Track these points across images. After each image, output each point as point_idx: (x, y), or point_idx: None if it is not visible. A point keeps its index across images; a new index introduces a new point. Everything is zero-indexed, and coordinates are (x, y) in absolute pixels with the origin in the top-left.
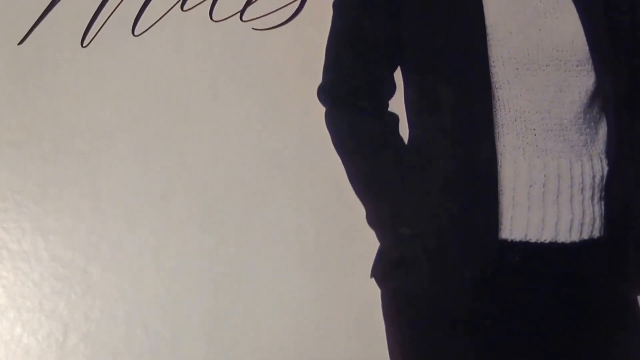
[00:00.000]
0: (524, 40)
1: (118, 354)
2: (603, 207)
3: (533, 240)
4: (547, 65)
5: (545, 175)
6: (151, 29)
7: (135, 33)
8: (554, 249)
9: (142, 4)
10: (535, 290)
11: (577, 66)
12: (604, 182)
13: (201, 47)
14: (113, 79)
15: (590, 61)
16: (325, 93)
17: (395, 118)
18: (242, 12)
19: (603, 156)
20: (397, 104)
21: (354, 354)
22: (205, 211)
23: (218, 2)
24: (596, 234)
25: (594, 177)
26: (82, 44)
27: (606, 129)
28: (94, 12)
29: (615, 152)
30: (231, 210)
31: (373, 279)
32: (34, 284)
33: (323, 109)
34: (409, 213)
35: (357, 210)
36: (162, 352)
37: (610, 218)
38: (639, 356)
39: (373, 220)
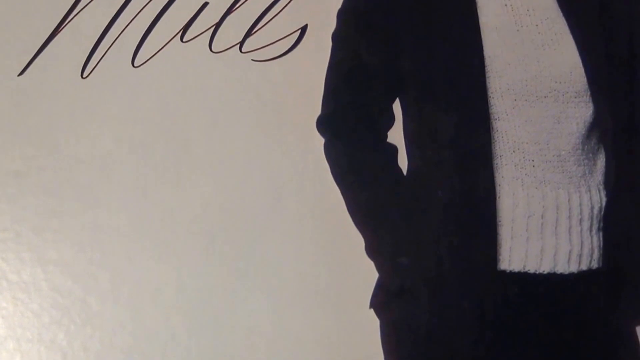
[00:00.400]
0: (523, 72)
1: None
2: (601, 238)
3: (532, 271)
4: (545, 97)
5: (543, 206)
6: (151, 59)
7: (135, 64)
8: (552, 279)
9: (142, 35)
10: (534, 321)
11: (576, 97)
12: (602, 213)
13: (201, 78)
14: (113, 109)
15: (589, 93)
16: (324, 124)
17: (394, 149)
18: (241, 43)
19: (601, 187)
20: (396, 135)
21: None
22: (204, 242)
23: (218, 33)
24: (594, 264)
25: (592, 208)
26: (82, 75)
27: (604, 160)
28: (94, 43)
29: (614, 184)
30: (231, 241)
31: (372, 310)
32: (33, 314)
33: (322, 140)
34: (408, 244)
35: (357, 240)
36: None
37: (609, 249)
38: None
39: (372, 250)
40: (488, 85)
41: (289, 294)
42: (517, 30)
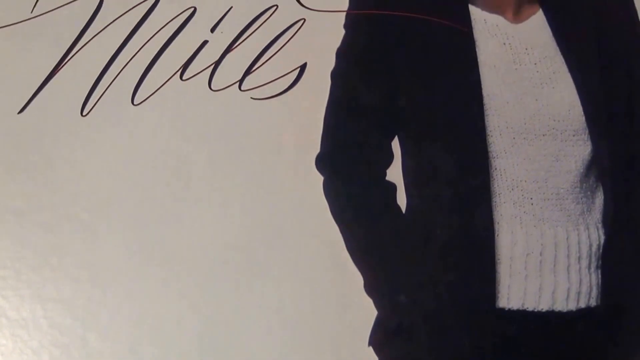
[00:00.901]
0: (521, 110)
1: None
2: (600, 276)
3: (530, 309)
4: (543, 135)
5: (542, 244)
6: (150, 97)
7: (135, 102)
8: (551, 317)
9: (141, 73)
10: (533, 359)
11: (574, 136)
12: (600, 251)
13: (200, 116)
14: (112, 147)
15: (587, 131)
16: (323, 162)
17: (392, 187)
18: (240, 81)
19: (600, 225)
20: (395, 173)
21: None
22: (203, 280)
23: (217, 71)
24: (593, 302)
25: (590, 246)
26: (81, 113)
27: (603, 198)
28: (93, 81)
29: (612, 221)
30: (230, 279)
31: (371, 348)
32: (32, 351)
33: (321, 178)
34: (407, 281)
35: (355, 278)
36: None
37: (607, 287)
38: None
39: (371, 288)
40: (487, 123)
41: (288, 331)
42: (516, 69)
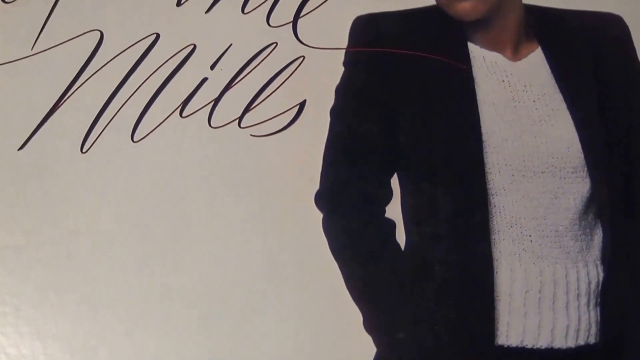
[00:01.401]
0: (520, 147)
1: None
2: (599, 314)
3: (529, 346)
4: (542, 172)
5: (541, 282)
6: (150, 135)
7: (135, 139)
8: (550, 354)
9: (141, 110)
10: None
11: (573, 173)
12: (599, 288)
13: (200, 153)
14: (112, 184)
15: (586, 168)
16: (322, 199)
17: (392, 224)
18: (240, 118)
19: (599, 262)
20: (394, 210)
21: None
22: (203, 317)
23: (217, 108)
24: (592, 340)
25: (589, 283)
26: (81, 150)
27: (602, 235)
28: (93, 118)
29: (611, 259)
30: (229, 315)
31: None
32: None
33: (321, 215)
34: (406, 319)
35: (355, 315)
36: None
37: (606, 324)
38: None
39: (370, 325)
40: (485, 160)
41: None
42: (515, 106)
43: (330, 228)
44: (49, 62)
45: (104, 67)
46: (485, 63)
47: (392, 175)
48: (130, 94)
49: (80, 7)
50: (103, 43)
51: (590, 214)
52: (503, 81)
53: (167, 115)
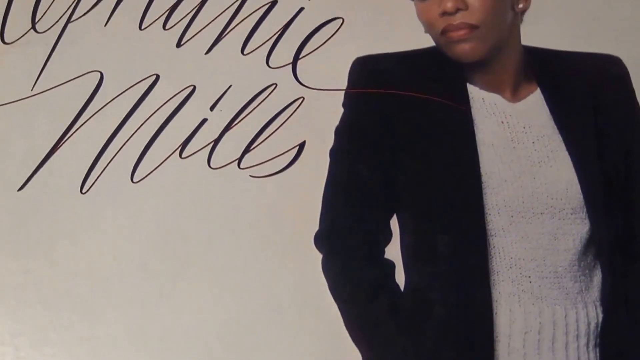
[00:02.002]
0: (519, 188)
1: None
2: (598, 354)
3: None
4: (541, 213)
5: (540, 323)
6: (150, 175)
7: (134, 180)
8: None
9: (141, 150)
10: None
11: (572, 214)
12: (599, 329)
13: (199, 194)
14: (112, 224)
15: (585, 209)
16: (322, 240)
17: (391, 265)
18: (239, 159)
19: (598, 303)
20: (393, 250)
21: None
22: (203, 356)
23: (216, 149)
24: None
25: (589, 324)
26: (81, 191)
27: (601, 276)
28: (93, 159)
29: (610, 300)
30: (229, 355)
31: None
32: None
33: (320, 256)
34: (405, 359)
35: (354, 356)
36: None
37: None
38: None
39: None
40: (485, 201)
41: None
42: (514, 147)
43: (330, 269)
44: (49, 103)
45: (103, 108)
46: (485, 104)
47: (391, 216)
48: (130, 135)
49: (80, 48)
50: (103, 84)
51: (589, 255)
52: (502, 122)
53: (166, 156)
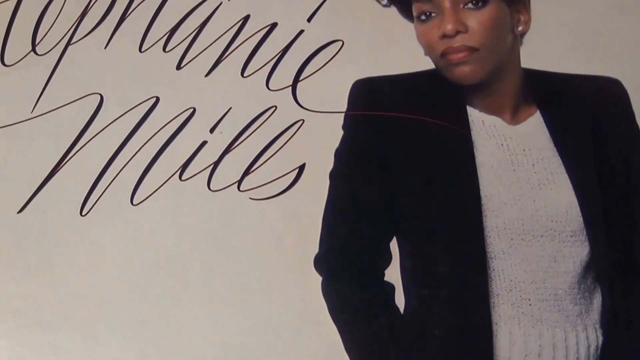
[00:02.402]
0: (519, 211)
1: None
2: None
3: None
4: (541, 236)
5: (540, 345)
6: (149, 198)
7: (134, 202)
8: None
9: (140, 173)
10: None
11: (572, 237)
12: (598, 352)
13: (199, 217)
14: (111, 247)
15: (585, 232)
16: (321, 263)
17: (391, 287)
18: (239, 182)
19: (598, 326)
20: (393, 273)
21: None
22: None
23: (216, 172)
24: None
25: (588, 347)
26: (81, 213)
27: (601, 299)
28: (93, 181)
29: (610, 322)
30: None
31: None
32: None
33: (320, 278)
34: None
35: None
36: None
37: None
38: None
39: None
40: (484, 224)
41: None
42: (513, 170)
43: (330, 291)
44: (49, 125)
45: (104, 130)
46: (485, 127)
47: (391, 239)
48: (130, 157)
49: (80, 71)
50: (103, 106)
51: (589, 277)
52: (502, 145)
53: (166, 178)
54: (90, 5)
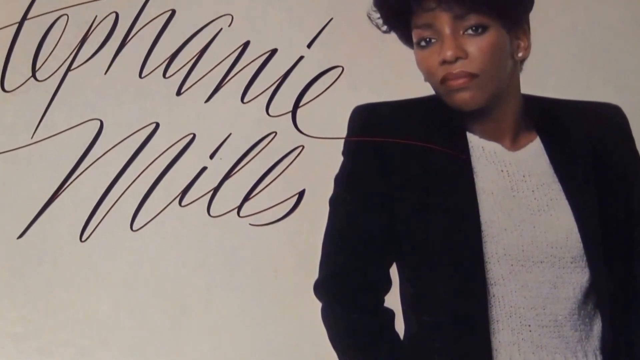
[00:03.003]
0: (519, 237)
1: None
2: None
3: None
4: (541, 262)
5: None
6: (149, 223)
7: (134, 228)
8: None
9: (140, 198)
10: None
11: (572, 263)
12: None
13: (198, 242)
14: (111, 273)
15: (585, 258)
16: (321, 288)
17: (391, 314)
18: (239, 208)
19: (598, 352)
20: (393, 299)
21: None
22: None
23: (216, 197)
24: None
25: None
26: (80, 239)
27: (601, 325)
28: (92, 207)
29: (611, 349)
30: None
31: None
32: None
33: (319, 304)
34: None
35: None
36: None
37: None
38: None
39: None
40: (484, 250)
41: None
42: (513, 196)
43: (329, 317)
44: (48, 151)
45: (103, 156)
46: (484, 153)
47: (391, 265)
48: (129, 183)
49: (80, 96)
50: (103, 132)
51: (589, 303)
52: (502, 171)
53: (166, 204)
54: (91, 31)
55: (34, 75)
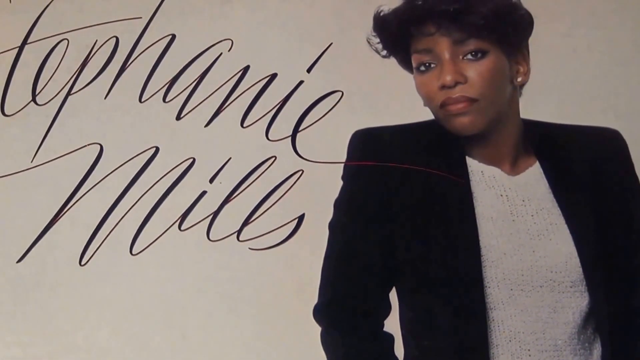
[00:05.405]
0: (518, 261)
1: None
2: None
3: None
4: (541, 286)
5: None
6: (149, 248)
7: (133, 252)
8: None
9: (140, 223)
10: None
11: (571, 287)
12: None
13: (198, 266)
14: (110, 298)
15: (584, 282)
16: (320, 313)
17: (390, 338)
18: (238, 232)
19: None
20: (392, 323)
21: None
22: None
23: (215, 222)
24: None
25: None
26: (80, 263)
27: (601, 349)
28: (92, 231)
29: None
30: None
31: None
32: None
33: (319, 329)
34: None
35: None
36: None
37: None
38: None
39: None
40: (484, 274)
41: None
42: (513, 220)
43: (329, 342)
44: (48, 175)
45: (103, 180)
46: (484, 177)
47: (390, 289)
48: (129, 207)
49: (80, 121)
50: (102, 156)
51: (589, 328)
52: (501, 195)
53: (166, 228)
54: (91, 55)
55: (34, 100)
